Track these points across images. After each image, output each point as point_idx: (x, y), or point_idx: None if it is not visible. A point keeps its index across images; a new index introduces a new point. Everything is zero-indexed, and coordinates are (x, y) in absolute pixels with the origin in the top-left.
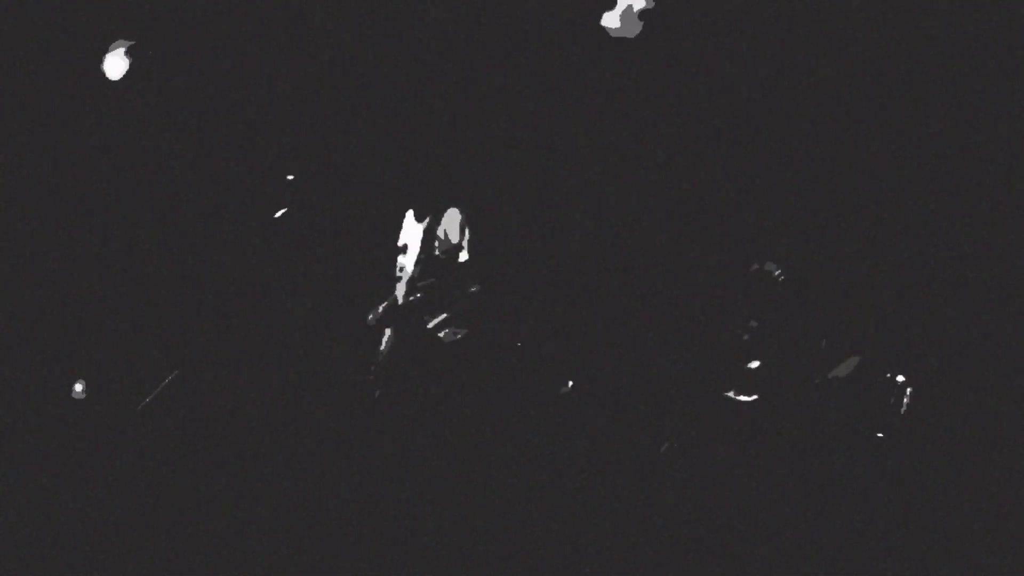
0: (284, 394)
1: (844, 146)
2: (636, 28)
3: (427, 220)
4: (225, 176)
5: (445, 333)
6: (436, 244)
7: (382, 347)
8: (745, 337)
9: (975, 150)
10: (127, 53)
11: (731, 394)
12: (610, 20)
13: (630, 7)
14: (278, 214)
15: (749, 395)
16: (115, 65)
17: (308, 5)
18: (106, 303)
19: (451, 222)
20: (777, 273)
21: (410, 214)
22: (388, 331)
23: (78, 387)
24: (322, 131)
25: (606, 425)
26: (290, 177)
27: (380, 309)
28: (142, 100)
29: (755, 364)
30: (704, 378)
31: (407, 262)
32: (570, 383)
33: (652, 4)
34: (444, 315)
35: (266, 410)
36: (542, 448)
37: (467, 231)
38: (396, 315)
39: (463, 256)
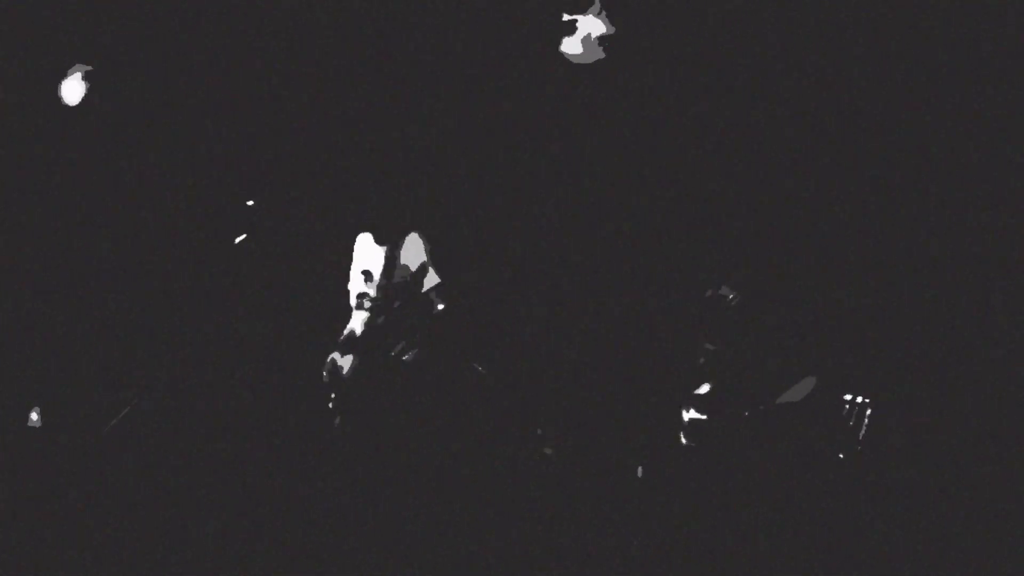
0: (239, 421)
1: (804, 171)
2: (596, 54)
3: (387, 245)
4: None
5: (407, 355)
6: (397, 270)
7: (341, 373)
8: (701, 360)
9: (939, 169)
10: (85, 77)
11: (686, 416)
12: (570, 46)
13: (589, 34)
14: (238, 240)
15: (701, 415)
16: (72, 90)
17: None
18: (61, 325)
19: (413, 247)
20: (731, 297)
21: (368, 239)
22: (349, 359)
23: (33, 416)
24: (282, 155)
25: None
26: (250, 203)
27: (340, 340)
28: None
29: (705, 388)
30: (661, 402)
31: (368, 288)
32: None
33: (613, 30)
34: (405, 341)
35: (219, 439)
36: (504, 472)
37: (429, 256)
38: (357, 343)
39: (428, 280)
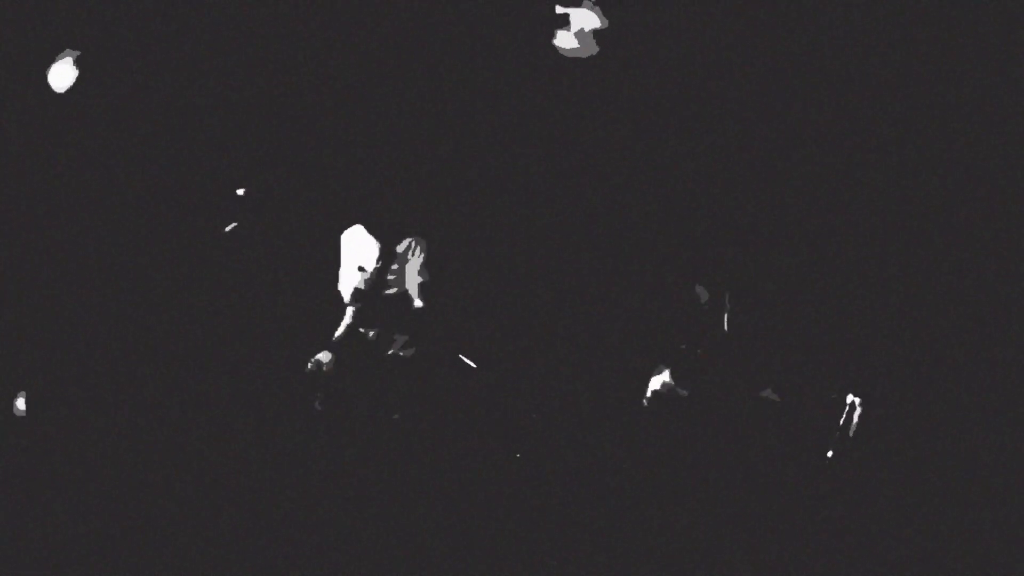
0: (227, 415)
1: (788, 170)
2: (592, 48)
3: (381, 245)
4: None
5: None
6: (390, 269)
7: (324, 369)
8: (676, 358)
9: (924, 171)
10: (75, 63)
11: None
12: (564, 40)
13: (583, 28)
14: (228, 228)
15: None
16: (62, 75)
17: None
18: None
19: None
20: (705, 300)
21: (361, 231)
22: (333, 355)
23: (19, 403)
24: (277, 148)
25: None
26: (240, 192)
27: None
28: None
29: (657, 384)
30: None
31: (362, 283)
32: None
33: (607, 23)
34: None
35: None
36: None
37: (422, 259)
38: (348, 339)
39: (416, 281)
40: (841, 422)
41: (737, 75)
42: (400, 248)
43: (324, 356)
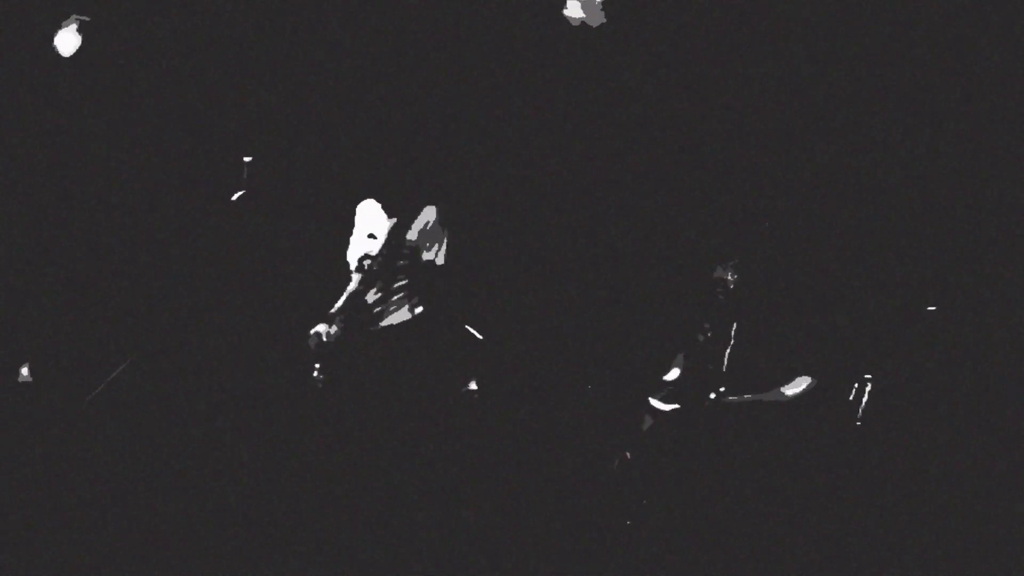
0: (232, 387)
1: (807, 145)
2: (599, 18)
3: (397, 216)
4: (178, 162)
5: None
6: (406, 241)
7: (327, 339)
8: (700, 339)
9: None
10: (79, 29)
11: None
12: (573, 9)
13: None
14: (235, 196)
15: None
16: (67, 41)
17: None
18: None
19: (428, 221)
20: (732, 277)
21: (373, 205)
22: (335, 328)
23: (24, 371)
24: (292, 122)
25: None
26: (247, 159)
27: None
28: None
29: (674, 374)
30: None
31: (372, 250)
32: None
33: None
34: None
35: (212, 404)
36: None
37: (444, 232)
38: (351, 310)
39: (438, 258)
40: (852, 399)
41: (750, 49)
42: (417, 230)
43: (323, 328)
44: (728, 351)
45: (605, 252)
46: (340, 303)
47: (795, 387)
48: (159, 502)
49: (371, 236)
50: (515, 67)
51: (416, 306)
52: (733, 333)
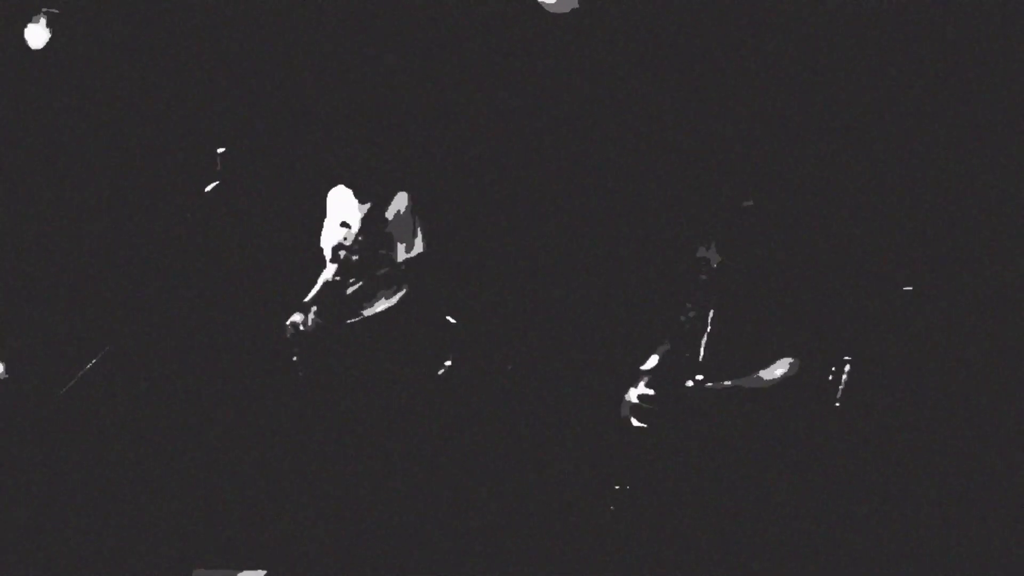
0: (207, 377)
1: (788, 126)
2: (571, 3)
3: (370, 203)
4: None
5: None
6: (380, 229)
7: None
8: (683, 319)
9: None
10: (48, 24)
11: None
12: None
13: None
14: (209, 188)
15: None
16: (37, 35)
17: None
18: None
19: (399, 208)
20: (714, 257)
21: (345, 192)
22: (311, 317)
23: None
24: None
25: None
26: (221, 150)
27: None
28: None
29: (652, 363)
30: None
31: (345, 239)
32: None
33: None
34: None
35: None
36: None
37: (416, 220)
38: (328, 300)
39: (415, 246)
40: (831, 380)
41: (726, 37)
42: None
43: (299, 317)
44: (705, 338)
45: (584, 239)
46: (314, 292)
47: (774, 371)
48: (137, 495)
49: (344, 224)
50: (488, 51)
51: (396, 295)
52: (711, 320)
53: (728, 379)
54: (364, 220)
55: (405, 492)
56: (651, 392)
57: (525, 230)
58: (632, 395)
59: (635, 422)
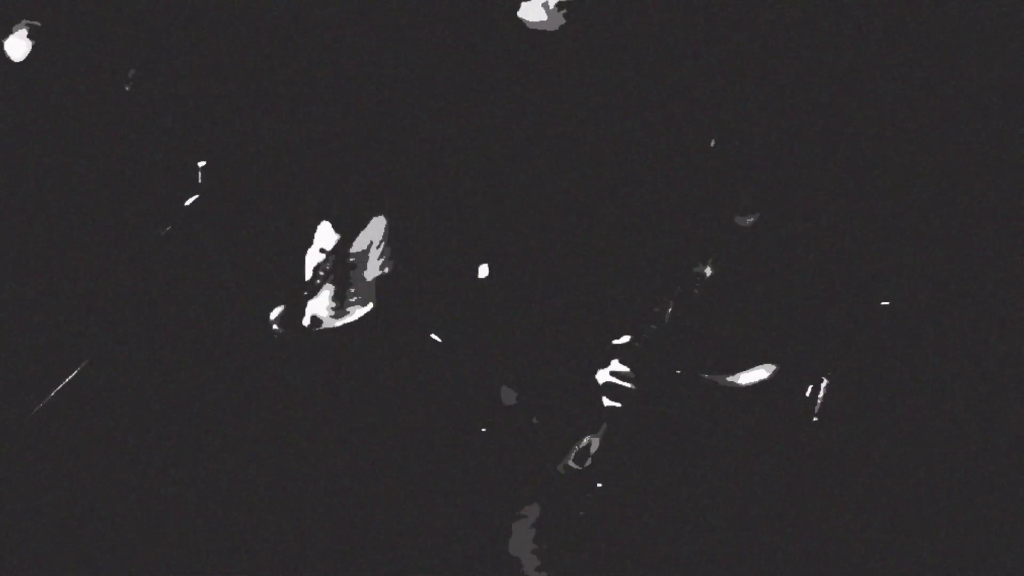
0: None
1: (781, 139)
2: (558, 21)
3: (346, 228)
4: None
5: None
6: (353, 251)
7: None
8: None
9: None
10: (30, 35)
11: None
12: (528, 12)
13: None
14: (188, 202)
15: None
16: (17, 47)
17: None
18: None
19: (374, 228)
20: (707, 272)
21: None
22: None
23: None
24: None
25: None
26: (201, 164)
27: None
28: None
29: (625, 339)
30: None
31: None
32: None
33: None
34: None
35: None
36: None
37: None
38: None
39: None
40: (808, 395)
41: (714, 48)
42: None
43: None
44: (671, 335)
45: (572, 249)
46: (281, 309)
47: (752, 376)
48: (122, 500)
49: (322, 251)
50: (471, 69)
51: (362, 309)
52: (667, 317)
53: (704, 377)
54: (337, 243)
55: (388, 496)
56: (626, 369)
57: (518, 241)
58: (603, 375)
59: (607, 401)
